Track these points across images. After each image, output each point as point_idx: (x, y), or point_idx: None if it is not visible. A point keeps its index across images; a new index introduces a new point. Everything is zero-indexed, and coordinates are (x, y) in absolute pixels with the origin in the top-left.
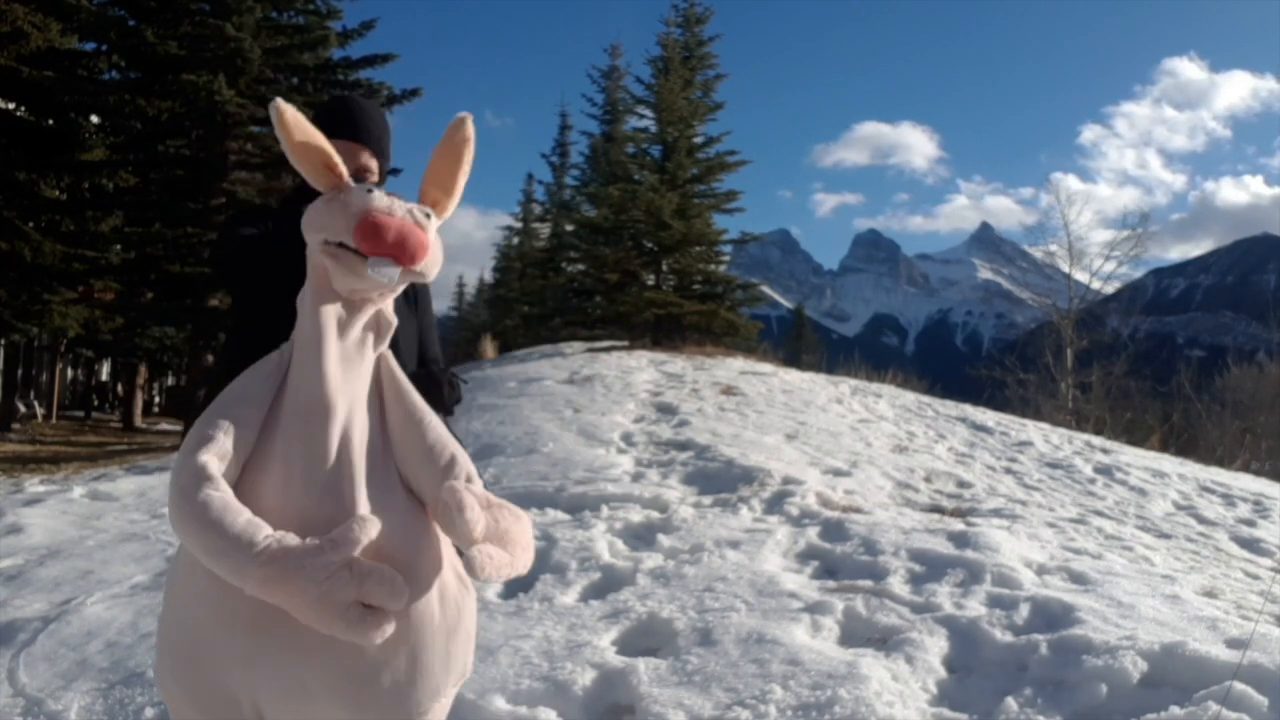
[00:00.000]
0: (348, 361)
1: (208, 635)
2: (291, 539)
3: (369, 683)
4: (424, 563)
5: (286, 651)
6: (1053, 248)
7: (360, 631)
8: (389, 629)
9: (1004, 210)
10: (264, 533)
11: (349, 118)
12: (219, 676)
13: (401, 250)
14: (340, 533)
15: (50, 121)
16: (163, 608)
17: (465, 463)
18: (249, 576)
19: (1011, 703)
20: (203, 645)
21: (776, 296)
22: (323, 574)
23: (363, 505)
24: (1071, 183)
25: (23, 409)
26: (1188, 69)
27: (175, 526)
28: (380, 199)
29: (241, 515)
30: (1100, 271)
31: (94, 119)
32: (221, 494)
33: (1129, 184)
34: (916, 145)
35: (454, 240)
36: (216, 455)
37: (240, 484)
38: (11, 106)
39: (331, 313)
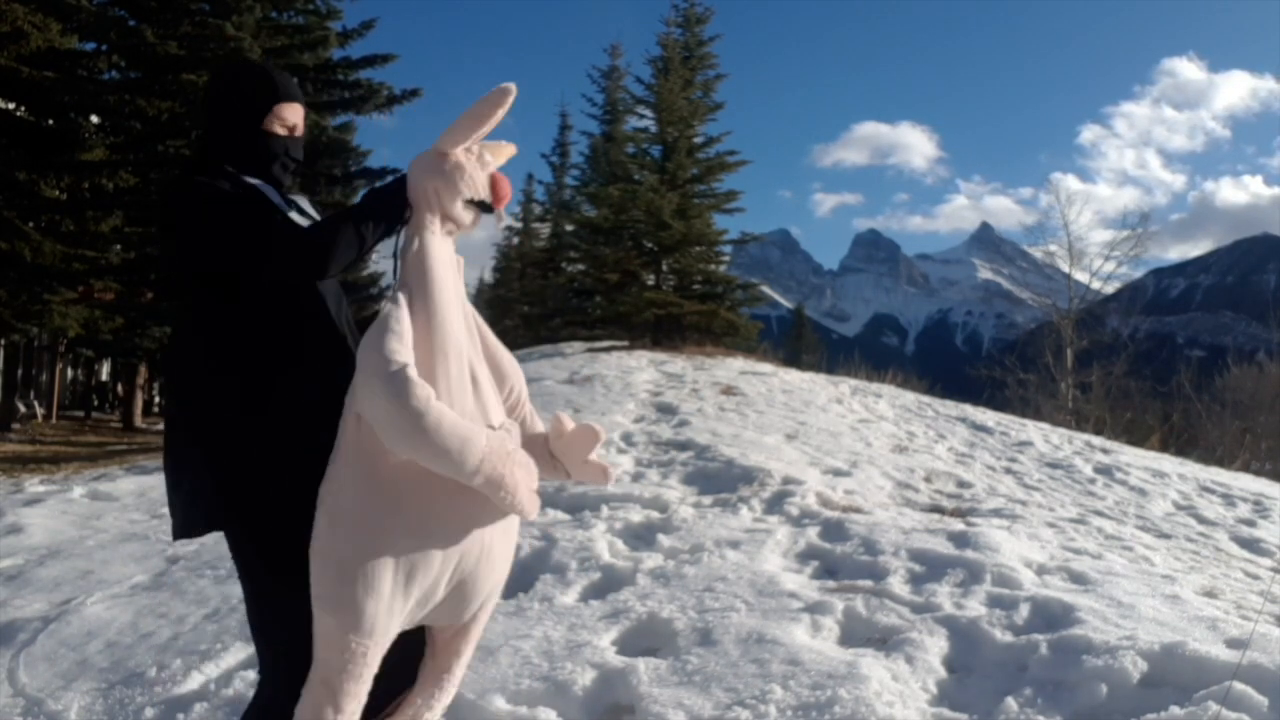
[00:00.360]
0: (457, 291)
1: (432, 538)
2: (495, 435)
3: (513, 548)
4: None
5: (484, 531)
6: (1052, 248)
7: (535, 503)
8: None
9: (1003, 210)
10: (484, 433)
11: (290, 82)
12: (433, 567)
13: (509, 198)
14: (506, 429)
15: (50, 121)
16: (345, 534)
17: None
18: (482, 465)
19: (1011, 703)
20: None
21: (776, 296)
22: (522, 462)
23: (498, 412)
24: (1071, 183)
25: (23, 409)
26: (1187, 69)
27: (405, 439)
28: (491, 162)
29: (462, 421)
30: (1100, 271)
31: (94, 119)
32: (439, 404)
33: (1128, 184)
34: (916, 145)
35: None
36: (421, 379)
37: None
38: (11, 106)
39: (450, 259)
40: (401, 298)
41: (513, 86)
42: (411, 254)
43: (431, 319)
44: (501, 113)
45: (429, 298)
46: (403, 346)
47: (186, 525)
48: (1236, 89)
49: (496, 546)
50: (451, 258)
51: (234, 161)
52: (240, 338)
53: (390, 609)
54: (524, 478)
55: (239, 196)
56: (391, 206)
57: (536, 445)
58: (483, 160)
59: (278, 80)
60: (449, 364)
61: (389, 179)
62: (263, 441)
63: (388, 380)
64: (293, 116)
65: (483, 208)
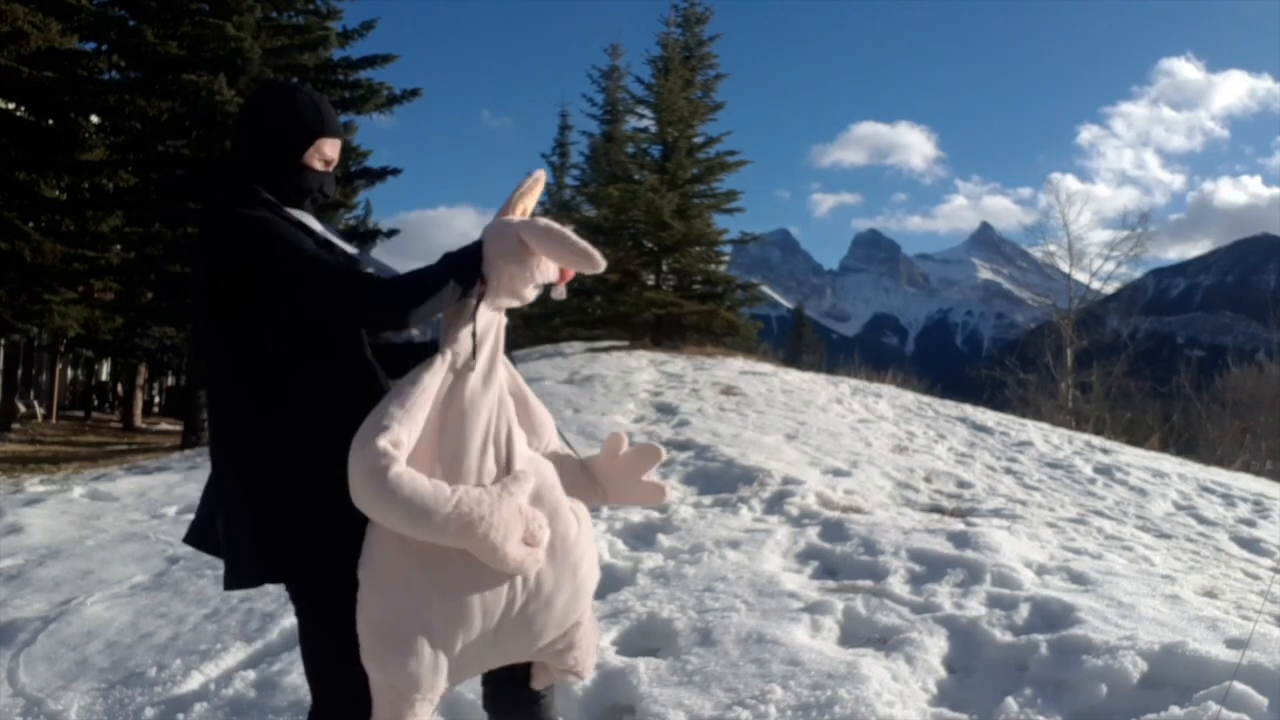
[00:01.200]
0: (496, 352)
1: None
2: (474, 489)
3: (574, 578)
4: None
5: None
6: (1052, 248)
7: (526, 560)
8: (541, 559)
9: (1002, 210)
10: (448, 489)
11: (334, 116)
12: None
13: (572, 276)
14: (509, 481)
15: (50, 121)
16: (381, 595)
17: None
18: (445, 528)
19: (1011, 703)
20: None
21: (776, 296)
22: (503, 516)
23: (521, 462)
24: (1070, 183)
25: (23, 409)
26: (1185, 69)
27: (367, 506)
28: None
29: (426, 481)
30: (1100, 272)
31: (94, 119)
32: (407, 469)
33: (1127, 184)
34: (914, 145)
35: (452, 240)
36: (391, 442)
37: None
38: (11, 106)
39: (495, 324)
40: (439, 362)
41: (602, 265)
42: (468, 325)
43: (465, 386)
44: (577, 269)
45: (470, 368)
46: (403, 413)
47: (239, 576)
48: (1235, 89)
49: (546, 586)
50: (500, 325)
51: (268, 189)
52: (287, 379)
53: (435, 666)
54: (508, 534)
55: (292, 231)
56: (469, 278)
57: (573, 472)
58: None
59: (325, 114)
60: (474, 428)
61: (467, 246)
62: (312, 490)
63: (361, 447)
64: (332, 152)
65: (545, 287)
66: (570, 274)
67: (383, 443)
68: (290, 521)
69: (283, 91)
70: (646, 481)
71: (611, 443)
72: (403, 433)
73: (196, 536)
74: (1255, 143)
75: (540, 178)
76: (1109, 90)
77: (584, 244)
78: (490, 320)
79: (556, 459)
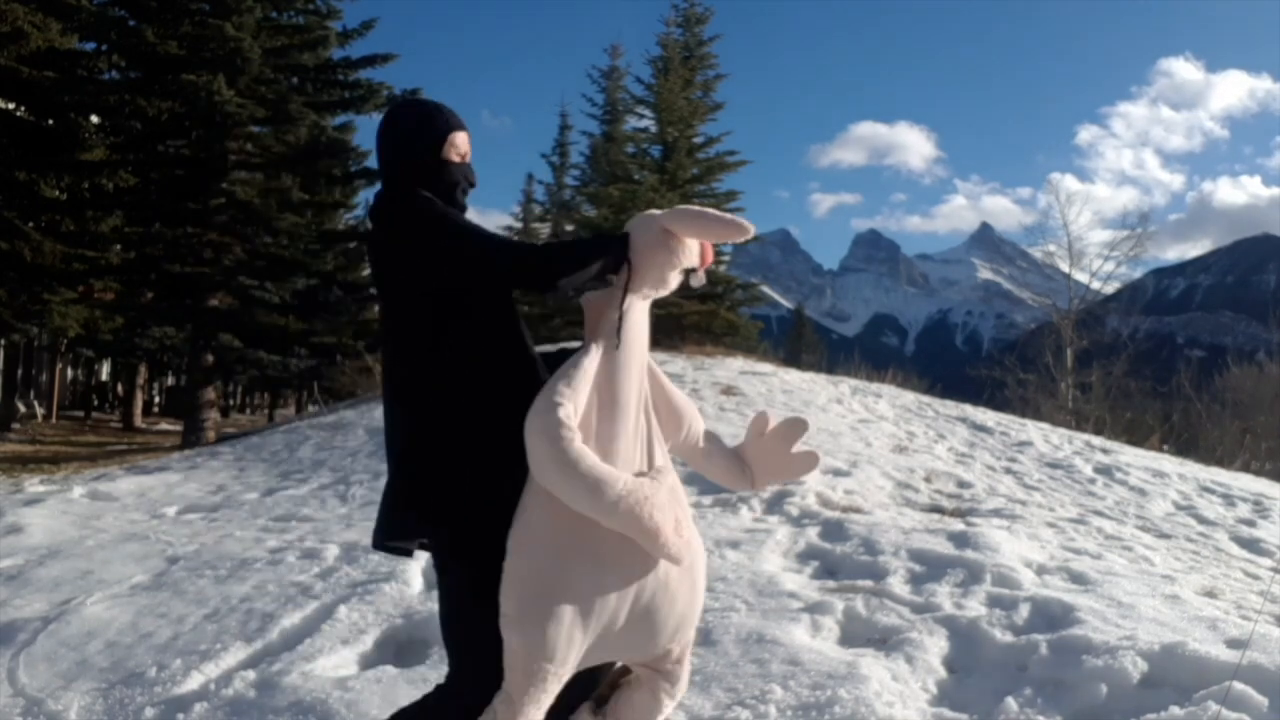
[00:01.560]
0: (642, 345)
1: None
2: (637, 478)
3: (695, 586)
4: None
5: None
6: (1051, 248)
7: (677, 546)
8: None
9: (1002, 210)
10: (623, 477)
11: (456, 113)
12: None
13: (712, 261)
14: (654, 474)
15: (50, 121)
16: (529, 560)
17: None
18: (616, 506)
19: (1011, 703)
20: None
21: (776, 296)
22: (661, 502)
23: (662, 458)
24: (1070, 183)
25: (23, 409)
26: (1184, 69)
27: (548, 472)
28: None
29: (601, 465)
30: (1100, 272)
31: (94, 119)
32: (585, 446)
33: (1127, 184)
34: (913, 145)
35: None
36: (568, 415)
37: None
38: (11, 106)
39: (644, 319)
40: (594, 349)
41: (751, 230)
42: (615, 312)
43: (616, 374)
44: (727, 239)
45: (619, 354)
46: (571, 390)
47: (392, 530)
48: (1234, 89)
49: (673, 581)
50: (645, 318)
51: (428, 188)
52: (466, 355)
53: (570, 637)
54: (665, 520)
55: (453, 210)
56: (613, 258)
57: (725, 457)
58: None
59: (446, 113)
60: (625, 415)
61: (615, 234)
62: (482, 457)
63: (542, 415)
64: (463, 144)
65: (687, 272)
66: (710, 259)
67: (562, 414)
68: (458, 486)
69: (407, 105)
70: (798, 453)
71: (757, 422)
72: (573, 409)
73: (389, 534)
74: (1254, 143)
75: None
76: (1108, 90)
77: (727, 215)
78: (639, 312)
79: (709, 442)
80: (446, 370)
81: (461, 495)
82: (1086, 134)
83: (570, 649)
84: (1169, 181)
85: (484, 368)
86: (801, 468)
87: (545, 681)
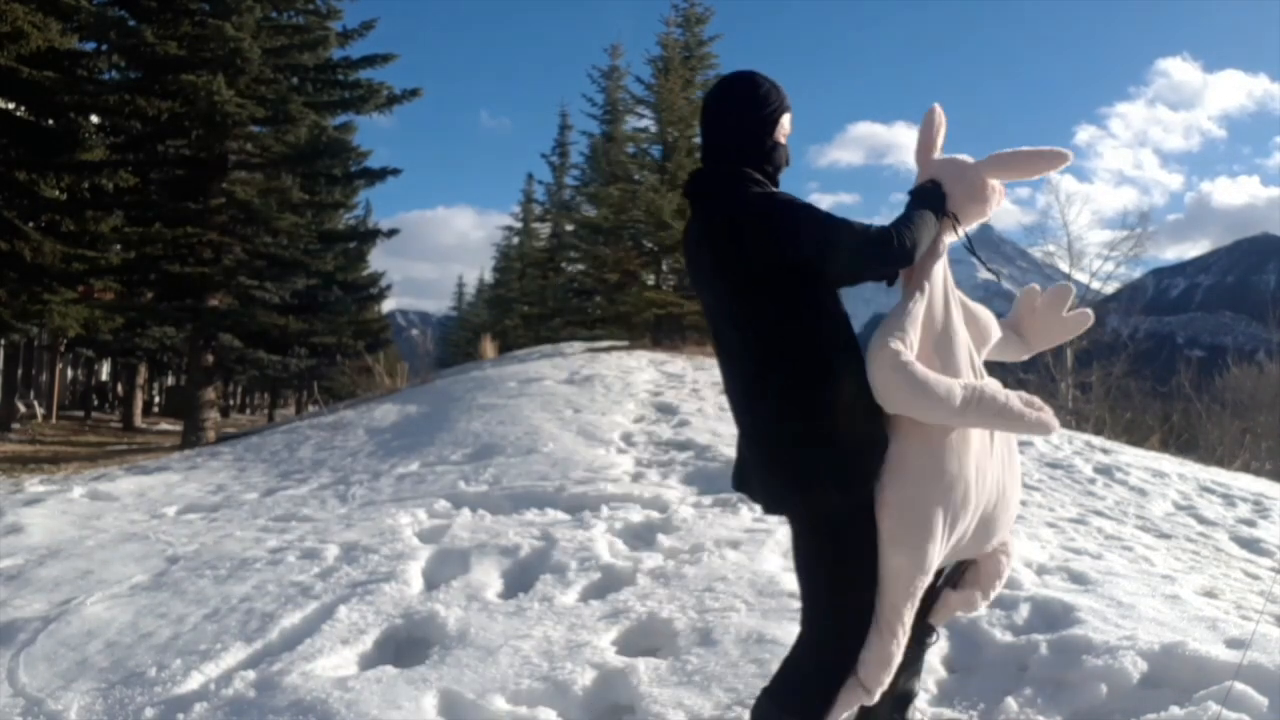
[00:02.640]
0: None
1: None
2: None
3: (1019, 489)
4: None
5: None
6: (1051, 248)
7: (1047, 418)
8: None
9: (1001, 210)
10: (964, 380)
11: (785, 91)
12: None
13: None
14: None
15: (50, 121)
16: (909, 486)
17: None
18: (967, 405)
19: (1011, 703)
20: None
21: None
22: (1007, 392)
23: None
24: (1068, 183)
25: (23, 409)
26: (1181, 69)
27: (894, 395)
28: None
29: (941, 376)
30: (1100, 272)
31: (94, 119)
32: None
33: (1125, 184)
34: (911, 145)
35: (451, 240)
36: (902, 344)
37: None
38: (11, 106)
39: (945, 258)
40: (919, 294)
41: (1070, 155)
42: (936, 257)
43: (944, 314)
44: (1053, 171)
45: (940, 292)
46: (902, 332)
47: (775, 501)
48: (1231, 89)
49: (1009, 489)
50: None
51: (756, 169)
52: (818, 327)
53: (939, 552)
54: (1014, 400)
55: (805, 201)
56: (939, 214)
57: (1004, 339)
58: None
59: (782, 91)
60: (959, 349)
61: (927, 187)
62: (849, 421)
63: (881, 352)
64: (790, 125)
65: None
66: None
67: (895, 343)
68: (831, 448)
69: (746, 80)
70: (1070, 315)
71: (1027, 297)
72: (905, 345)
73: (737, 481)
74: (1253, 143)
75: (939, 111)
76: (1106, 91)
77: (1045, 149)
78: (944, 251)
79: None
80: (803, 342)
81: (837, 456)
82: (1085, 134)
83: (937, 560)
84: (1168, 181)
85: (833, 337)
86: (1075, 326)
87: (917, 594)
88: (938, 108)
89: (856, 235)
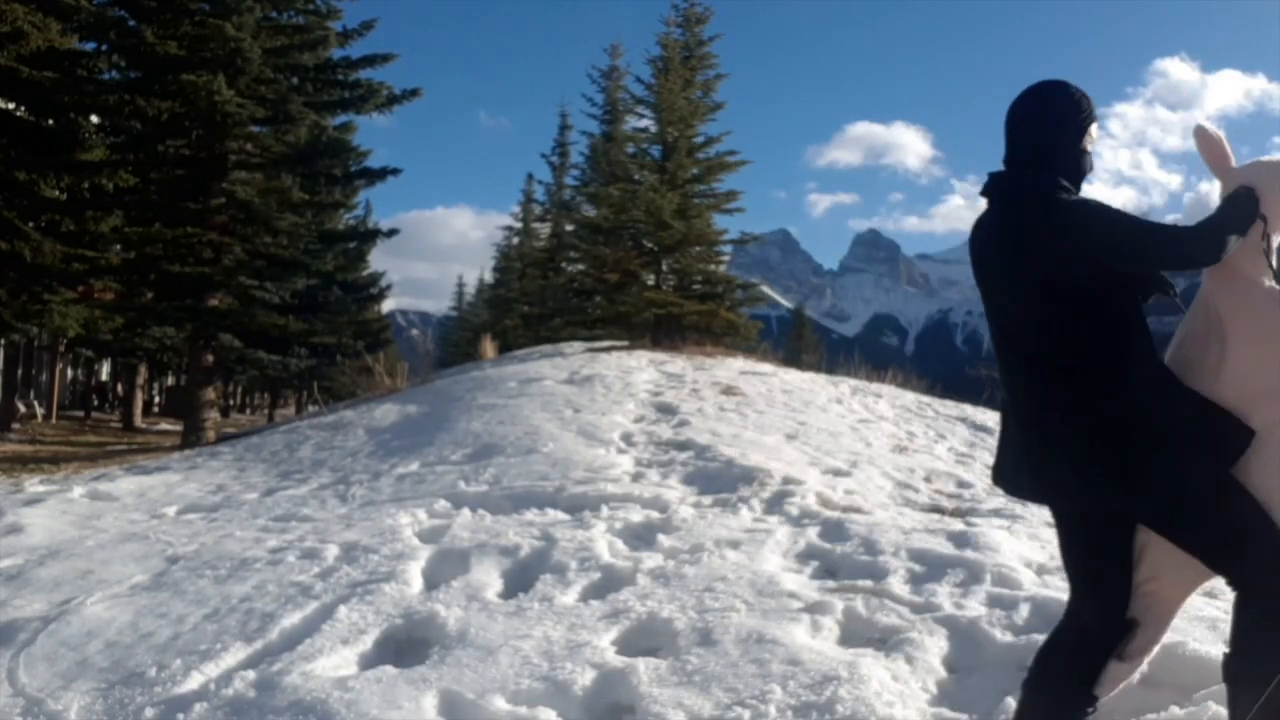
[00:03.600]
0: None
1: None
2: None
3: None
4: None
5: None
6: None
7: None
8: None
9: None
10: None
11: (1093, 100)
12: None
13: None
14: None
15: (50, 121)
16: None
17: None
18: None
19: (1012, 702)
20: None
21: (776, 296)
22: None
23: None
24: None
25: (23, 409)
26: (1179, 69)
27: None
28: None
29: None
30: None
31: (94, 119)
32: None
33: (1124, 184)
34: (910, 145)
35: (451, 240)
36: None
37: None
38: (11, 106)
39: None
40: (1267, 284)
41: None
42: (1261, 257)
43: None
44: None
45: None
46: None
47: (1094, 497)
48: (1229, 89)
49: None
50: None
51: (1064, 176)
52: (1132, 327)
53: None
54: None
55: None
56: (1250, 221)
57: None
58: None
59: (1091, 100)
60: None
61: (1238, 195)
62: (1169, 417)
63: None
64: (1096, 133)
65: None
66: None
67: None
68: (1157, 443)
69: (1059, 88)
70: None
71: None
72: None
73: (1009, 484)
74: (1251, 143)
75: (1208, 127)
76: (1104, 91)
77: None
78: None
79: None
80: (1109, 345)
81: (1167, 449)
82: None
83: None
84: (1166, 181)
85: (1143, 333)
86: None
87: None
88: (1205, 124)
89: (1166, 237)
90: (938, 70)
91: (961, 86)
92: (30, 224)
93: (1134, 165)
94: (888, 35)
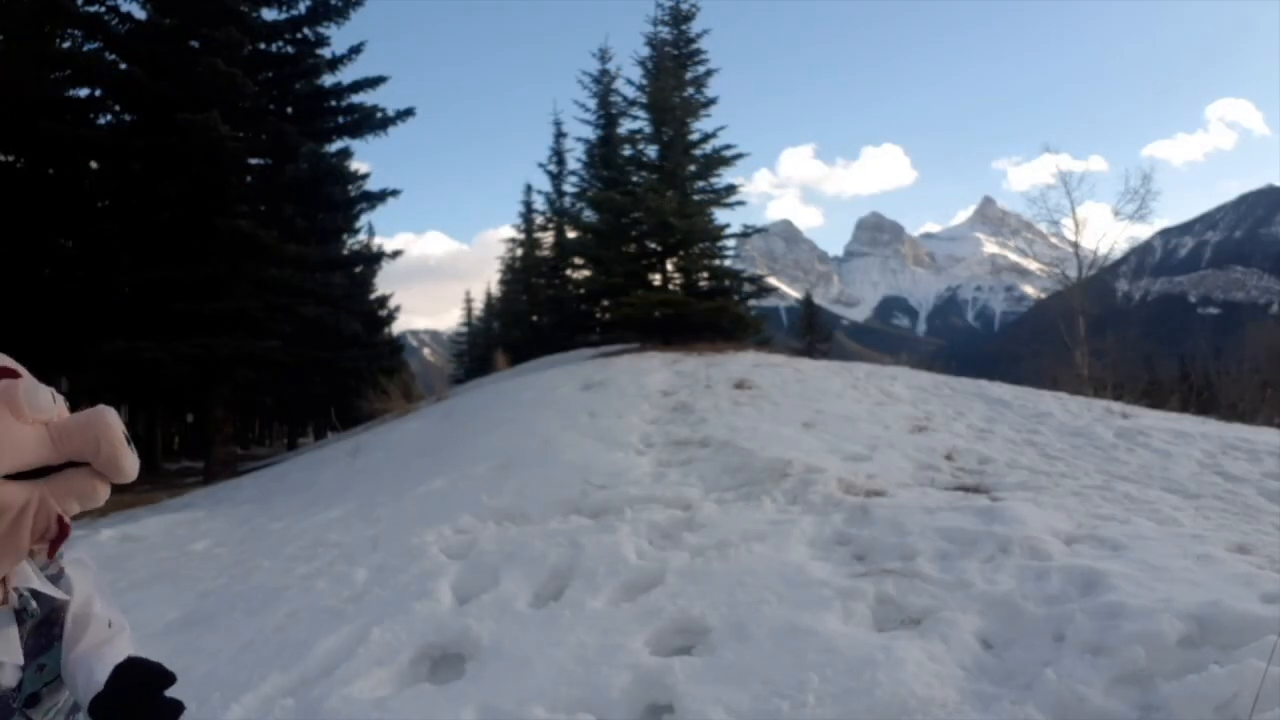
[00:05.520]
0: None
1: None
2: None
3: None
4: None
5: None
6: (1056, 216)
7: None
8: None
9: (1005, 184)
10: None
11: None
12: None
13: None
14: None
15: (50, 170)
16: None
17: None
18: None
19: (1050, 674)
20: None
21: (783, 287)
22: None
23: None
24: (1065, 162)
25: None
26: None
27: None
28: None
29: None
30: (1105, 238)
31: (93, 164)
32: None
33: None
34: (894, 164)
35: (453, 258)
36: None
37: None
38: (11, 159)
39: None
40: None
41: None
42: None
43: None
44: None
45: None
46: None
47: None
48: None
49: None
50: None
51: None
52: None
53: None
54: None
55: None
56: None
57: None
58: None
59: None
60: None
61: None
62: None
63: None
64: None
65: None
66: None
67: None
68: None
69: None
70: None
71: None
72: None
73: None
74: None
75: None
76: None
77: None
78: None
79: None
80: None
81: None
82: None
83: None
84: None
85: None
86: None
87: None
88: None
89: None
90: (929, 69)
91: (955, 85)
92: (46, 271)
93: None
94: (882, 35)
